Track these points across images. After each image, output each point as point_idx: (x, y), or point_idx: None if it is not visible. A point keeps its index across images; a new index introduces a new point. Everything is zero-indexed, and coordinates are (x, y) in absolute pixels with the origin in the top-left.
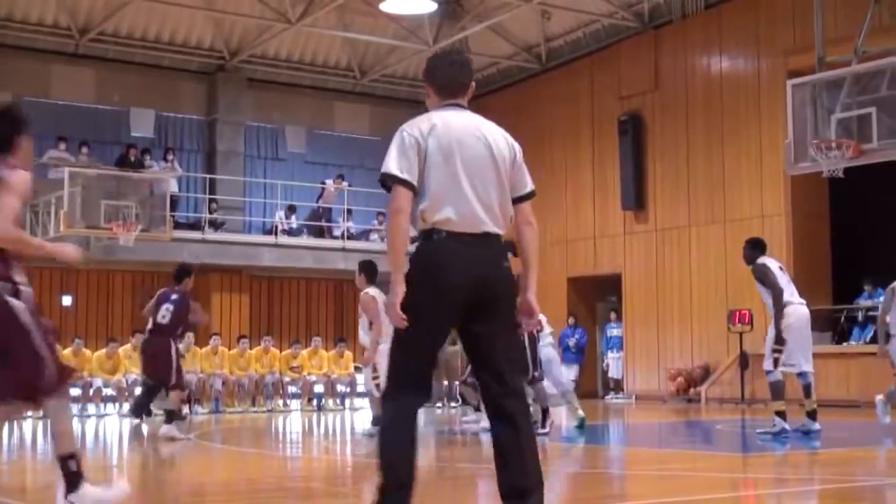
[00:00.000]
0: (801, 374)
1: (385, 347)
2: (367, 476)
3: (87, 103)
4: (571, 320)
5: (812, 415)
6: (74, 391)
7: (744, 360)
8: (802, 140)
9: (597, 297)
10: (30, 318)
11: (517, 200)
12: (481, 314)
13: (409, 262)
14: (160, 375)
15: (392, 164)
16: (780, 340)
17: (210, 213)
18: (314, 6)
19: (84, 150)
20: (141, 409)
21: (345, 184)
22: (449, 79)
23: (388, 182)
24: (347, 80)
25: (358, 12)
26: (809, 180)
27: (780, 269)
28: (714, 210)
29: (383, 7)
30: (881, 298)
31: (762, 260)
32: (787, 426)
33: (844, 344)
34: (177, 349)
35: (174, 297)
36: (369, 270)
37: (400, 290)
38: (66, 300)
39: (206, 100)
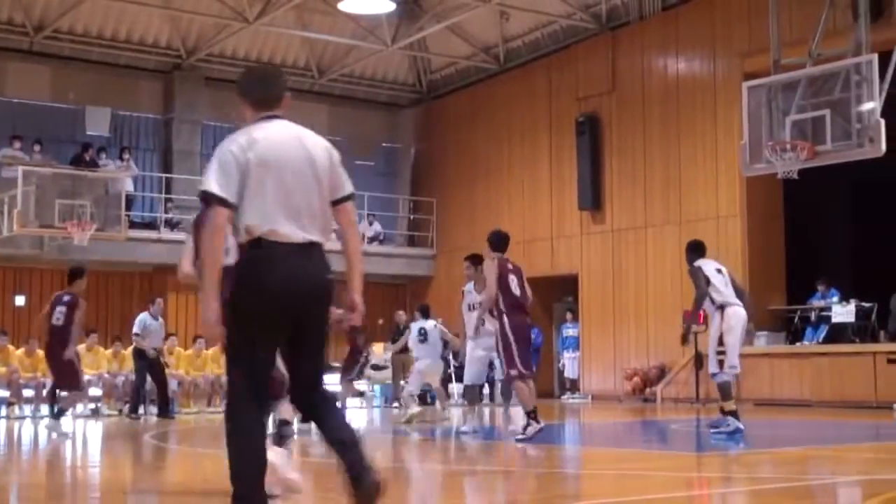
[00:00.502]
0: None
1: None
2: (321, 476)
3: (42, 101)
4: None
5: (734, 414)
6: (27, 392)
7: (699, 361)
8: (758, 141)
9: (554, 297)
10: None
11: (337, 202)
12: (306, 323)
13: (234, 275)
14: (63, 379)
15: (211, 181)
16: (721, 342)
17: (166, 212)
18: (272, 5)
19: (38, 148)
20: (63, 412)
21: None
22: (263, 93)
23: (208, 200)
24: (305, 79)
25: (316, 11)
26: (764, 181)
27: (718, 271)
28: (670, 211)
29: (341, 6)
30: (833, 299)
31: (699, 262)
32: (740, 425)
33: (798, 344)
34: (76, 351)
35: (66, 298)
36: None
37: (215, 305)
38: (20, 300)
39: (162, 98)
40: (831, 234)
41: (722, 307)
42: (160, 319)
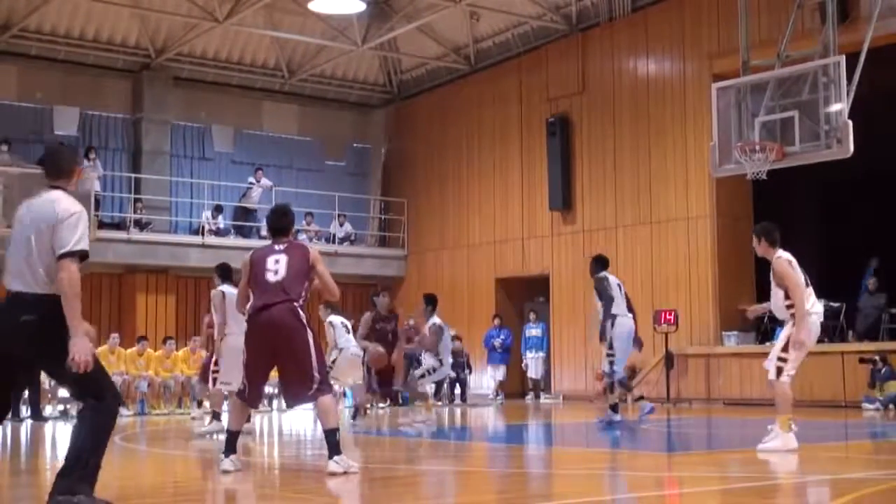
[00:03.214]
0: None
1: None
2: (297, 479)
3: (9, 101)
4: (497, 321)
5: (615, 408)
6: None
7: (669, 360)
8: (727, 142)
9: (525, 297)
10: None
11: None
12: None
13: None
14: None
15: None
16: (612, 346)
17: (135, 212)
18: (241, 5)
19: (6, 148)
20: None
21: (269, 182)
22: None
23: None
24: (275, 79)
25: (286, 11)
26: (734, 182)
27: (619, 285)
28: (640, 211)
29: (312, 6)
30: None
31: (604, 274)
32: (617, 417)
33: (767, 343)
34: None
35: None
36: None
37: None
38: None
39: (131, 98)
40: (800, 234)
41: (614, 317)
42: None
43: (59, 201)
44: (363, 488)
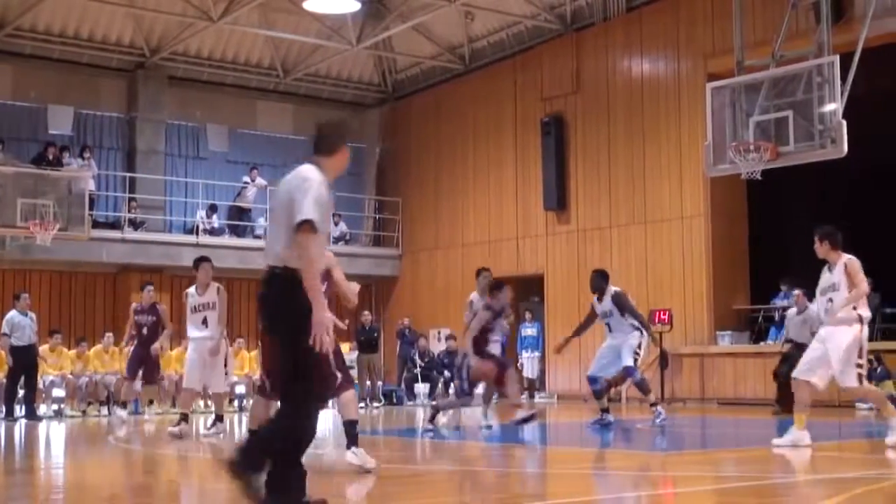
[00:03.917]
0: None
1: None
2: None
3: (3, 100)
4: None
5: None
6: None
7: (664, 360)
8: (721, 142)
9: (520, 297)
10: None
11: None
12: None
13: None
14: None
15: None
16: (639, 347)
17: (130, 212)
18: (236, 4)
19: (0, 147)
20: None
21: (263, 181)
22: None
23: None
24: (270, 78)
25: (281, 11)
26: (728, 182)
27: None
28: (635, 211)
29: (306, 6)
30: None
31: (613, 288)
32: (610, 418)
33: (762, 343)
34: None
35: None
36: None
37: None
38: None
39: (126, 97)
40: (794, 234)
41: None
42: (30, 314)
43: (305, 172)
44: (353, 487)
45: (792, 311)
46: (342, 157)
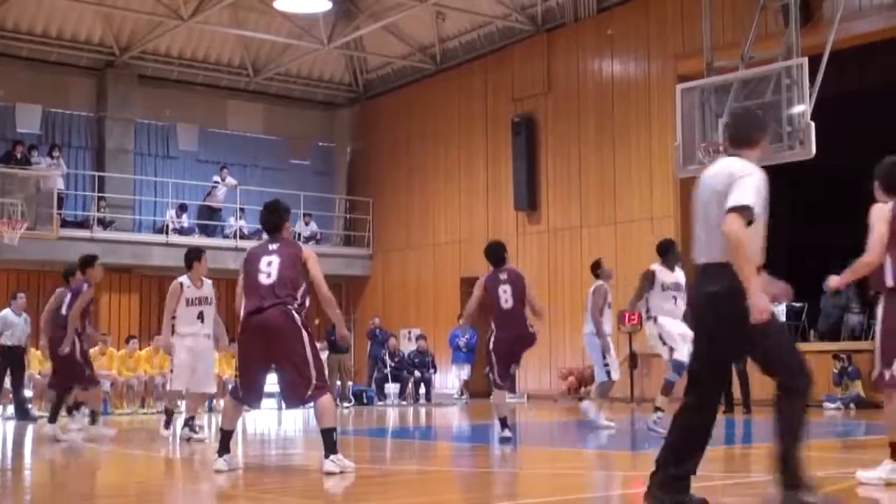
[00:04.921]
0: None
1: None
2: (260, 478)
3: None
4: (461, 320)
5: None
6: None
7: (633, 360)
8: (691, 143)
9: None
10: None
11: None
12: None
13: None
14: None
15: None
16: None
17: (99, 211)
18: (207, 3)
19: None
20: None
21: (233, 181)
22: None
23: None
24: (241, 78)
25: (252, 10)
26: (698, 183)
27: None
28: (605, 211)
29: (277, 5)
30: None
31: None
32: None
33: None
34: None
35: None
36: None
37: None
38: None
39: (95, 96)
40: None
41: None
42: (24, 315)
43: (733, 164)
44: (328, 488)
45: None
46: (764, 145)
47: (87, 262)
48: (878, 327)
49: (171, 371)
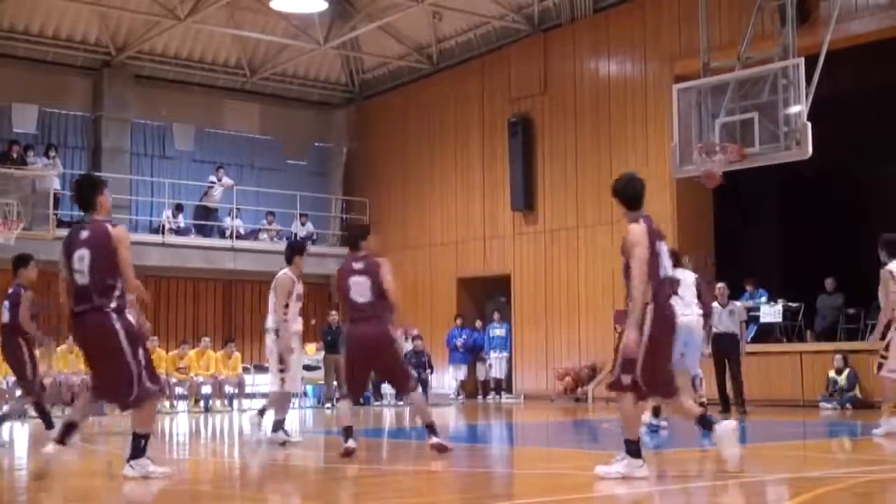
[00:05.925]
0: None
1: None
2: (255, 478)
3: None
4: (459, 321)
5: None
6: None
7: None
8: (687, 143)
9: (487, 297)
10: None
11: None
12: None
13: None
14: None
15: None
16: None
17: None
18: (203, 3)
19: None
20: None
21: (230, 181)
22: None
23: None
24: (237, 77)
25: (248, 10)
26: (694, 183)
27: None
28: (602, 211)
29: (273, 5)
30: (762, 299)
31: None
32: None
33: None
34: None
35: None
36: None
37: None
38: None
39: (91, 96)
40: (760, 234)
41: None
42: None
43: None
44: (327, 488)
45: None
46: None
47: (21, 261)
48: None
49: (282, 371)
